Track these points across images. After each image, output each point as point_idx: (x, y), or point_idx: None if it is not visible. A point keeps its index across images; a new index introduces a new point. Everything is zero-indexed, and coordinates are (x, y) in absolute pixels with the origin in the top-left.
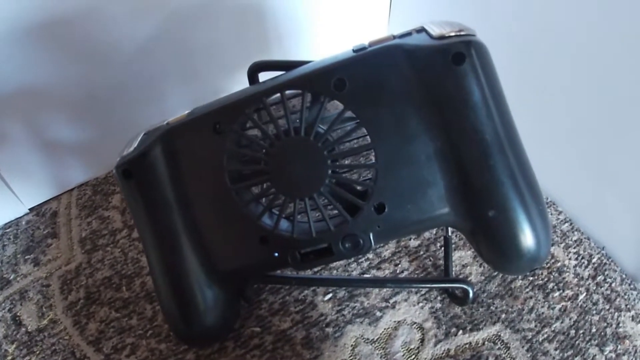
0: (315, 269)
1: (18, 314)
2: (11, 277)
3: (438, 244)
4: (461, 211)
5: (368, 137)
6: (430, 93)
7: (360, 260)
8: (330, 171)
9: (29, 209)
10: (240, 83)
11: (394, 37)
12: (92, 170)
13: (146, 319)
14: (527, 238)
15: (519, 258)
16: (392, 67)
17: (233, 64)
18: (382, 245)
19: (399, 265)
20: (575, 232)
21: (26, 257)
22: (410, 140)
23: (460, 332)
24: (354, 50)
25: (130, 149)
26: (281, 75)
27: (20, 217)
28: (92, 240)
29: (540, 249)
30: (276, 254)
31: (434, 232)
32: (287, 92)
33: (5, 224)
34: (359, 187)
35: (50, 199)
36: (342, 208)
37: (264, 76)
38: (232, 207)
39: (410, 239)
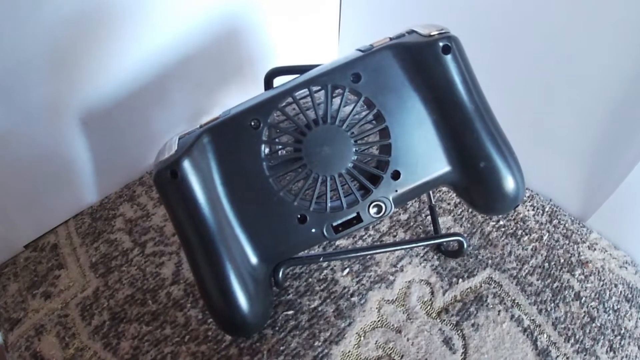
0: (330, 248)
1: (38, 349)
2: (21, 315)
3: (423, 215)
4: (458, 167)
5: (375, 121)
6: (426, 78)
7: (364, 237)
8: (354, 149)
9: (24, 246)
10: (218, 104)
11: (391, 39)
12: (85, 199)
13: (180, 326)
14: (509, 181)
15: (505, 198)
16: (396, 60)
17: (211, 84)
18: (380, 222)
19: (397, 237)
20: (527, 190)
21: (34, 292)
22: (413, 116)
23: (460, 280)
24: (361, 51)
25: (170, 152)
26: (297, 77)
27: (16, 256)
28: (105, 264)
29: (519, 189)
30: (313, 230)
31: (418, 206)
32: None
33: (1, 264)
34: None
35: (46, 234)
36: (365, 180)
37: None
38: (271, 194)
39: (400, 214)
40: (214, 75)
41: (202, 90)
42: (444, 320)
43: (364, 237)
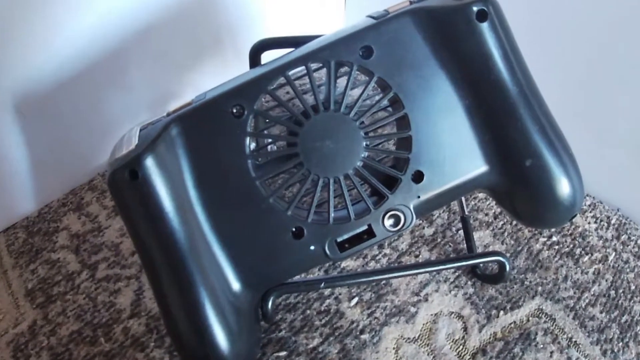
0: (333, 271)
1: None
2: None
3: (453, 229)
4: (498, 166)
5: (391, 107)
6: (455, 52)
7: (377, 257)
8: (364, 144)
9: None
10: (190, 85)
11: (411, 2)
12: (19, 209)
13: None
14: (564, 184)
15: (558, 206)
16: (417, 29)
17: (181, 61)
18: (398, 238)
19: (420, 256)
20: (587, 198)
21: None
22: (439, 101)
23: (502, 312)
24: (373, 18)
25: (130, 147)
26: (291, 52)
27: None
28: (44, 291)
29: (575, 194)
30: (312, 247)
31: (447, 217)
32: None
33: None
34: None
35: None
36: (379, 183)
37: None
38: (258, 201)
39: (423, 228)
40: (185, 49)
41: (170, 69)
42: None
43: (377, 257)
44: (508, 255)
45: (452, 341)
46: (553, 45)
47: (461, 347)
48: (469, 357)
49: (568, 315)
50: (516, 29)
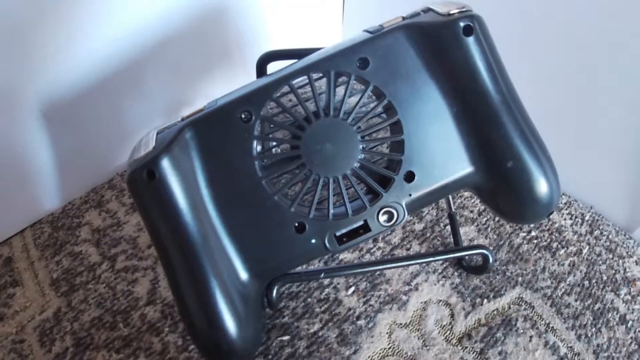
0: (332, 263)
1: None
2: None
3: (442, 224)
4: (483, 168)
5: (385, 113)
6: (444, 64)
7: (372, 250)
8: (361, 147)
9: None
10: (202, 93)
11: (404, 18)
12: (44, 205)
13: (156, 354)
14: (542, 184)
15: (537, 203)
16: (410, 43)
17: (194, 71)
18: (391, 232)
19: (411, 249)
20: (564, 196)
21: None
22: (429, 108)
23: (485, 300)
24: (369, 32)
25: (147, 149)
26: (294, 63)
27: None
28: (68, 281)
29: (553, 193)
30: (313, 241)
31: (436, 214)
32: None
33: None
34: (385, 161)
35: None
36: (374, 182)
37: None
38: (264, 199)
39: (414, 223)
40: (198, 60)
41: (183, 78)
42: (466, 347)
43: (372, 250)
44: (491, 248)
45: (440, 327)
46: (532, 57)
47: (448, 332)
48: (455, 341)
49: (546, 303)
50: (499, 43)
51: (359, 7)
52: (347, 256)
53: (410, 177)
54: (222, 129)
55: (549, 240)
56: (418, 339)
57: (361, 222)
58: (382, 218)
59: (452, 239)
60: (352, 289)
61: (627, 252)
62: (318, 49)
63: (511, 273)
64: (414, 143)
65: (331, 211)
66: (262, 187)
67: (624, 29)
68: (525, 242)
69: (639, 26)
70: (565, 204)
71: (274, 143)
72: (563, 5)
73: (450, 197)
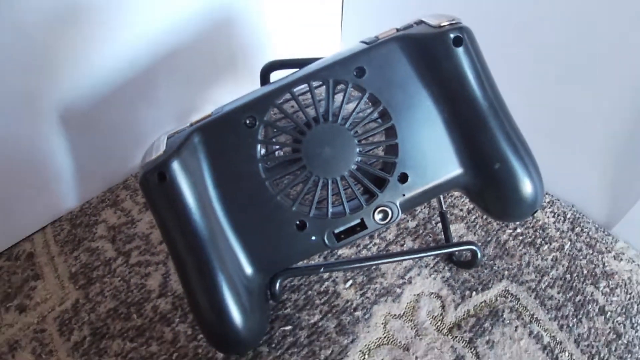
0: (331, 258)
1: None
2: None
3: (433, 222)
4: (471, 169)
5: (380, 119)
6: (435, 72)
7: (368, 246)
8: (358, 150)
9: None
10: (210, 101)
11: (398, 30)
12: (64, 204)
13: (167, 343)
14: (527, 184)
15: (522, 202)
16: (403, 53)
17: (202, 79)
18: (386, 230)
19: (405, 245)
20: (547, 196)
21: (7, 305)
22: (422, 114)
23: (474, 293)
24: (366, 43)
25: (158, 152)
26: (296, 72)
27: None
28: (85, 274)
29: (537, 193)
30: (313, 238)
31: (428, 212)
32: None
33: None
34: (381, 164)
35: (20, 241)
36: (370, 183)
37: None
38: (267, 198)
39: (408, 221)
40: (205, 69)
41: (192, 86)
42: (456, 337)
43: (368, 246)
44: (479, 244)
45: (432, 317)
46: (518, 65)
47: (440, 322)
48: (446, 331)
49: (530, 296)
50: (487, 52)
51: (356, 19)
52: (345, 252)
53: (403, 178)
54: (228, 134)
55: (533, 236)
56: (411, 329)
57: (358, 220)
58: (378, 216)
59: (443, 236)
60: (350, 282)
61: (606, 248)
62: (318, 59)
63: (498, 267)
64: (407, 147)
65: (330, 210)
66: (265, 188)
67: (601, 38)
68: (511, 238)
69: (614, 34)
70: (549, 203)
71: (277, 146)
72: (542, 18)
73: (441, 196)
